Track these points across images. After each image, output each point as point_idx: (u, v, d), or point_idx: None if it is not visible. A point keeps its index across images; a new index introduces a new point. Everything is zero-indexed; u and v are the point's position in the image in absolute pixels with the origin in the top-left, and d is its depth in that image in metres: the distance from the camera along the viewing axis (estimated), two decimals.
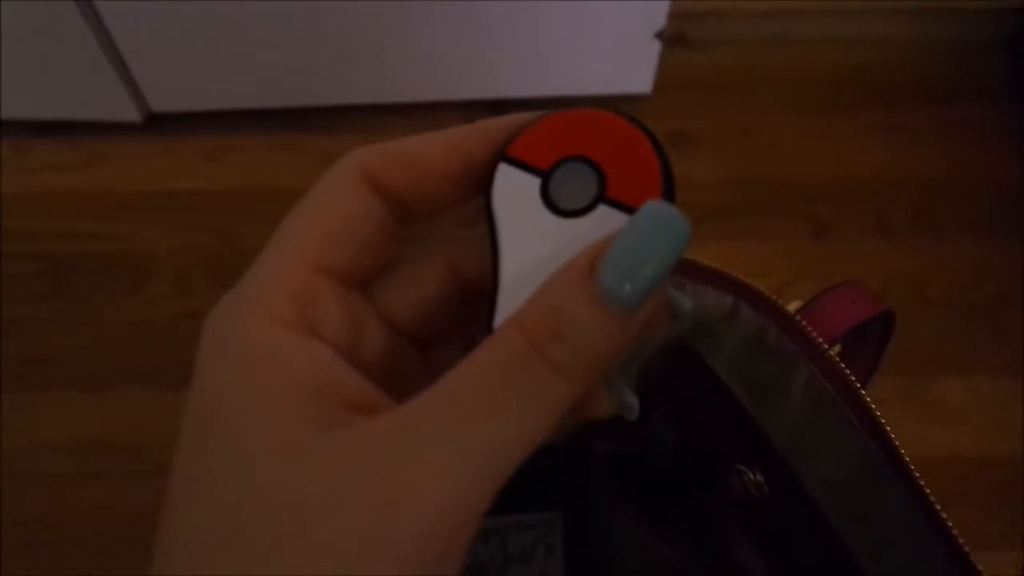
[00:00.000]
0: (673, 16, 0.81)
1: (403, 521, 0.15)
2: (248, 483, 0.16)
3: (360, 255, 0.19)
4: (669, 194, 0.18)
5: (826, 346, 0.31)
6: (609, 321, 0.16)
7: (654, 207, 0.17)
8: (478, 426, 0.16)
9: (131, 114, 0.87)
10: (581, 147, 0.18)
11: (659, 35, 0.82)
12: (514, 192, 0.19)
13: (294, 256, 0.18)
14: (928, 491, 0.29)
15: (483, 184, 0.19)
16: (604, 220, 0.18)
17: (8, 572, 0.70)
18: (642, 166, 0.18)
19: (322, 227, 0.18)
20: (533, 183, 0.18)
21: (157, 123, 0.90)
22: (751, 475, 0.35)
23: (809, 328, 0.31)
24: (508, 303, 0.18)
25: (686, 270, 0.33)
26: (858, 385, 0.30)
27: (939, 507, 0.28)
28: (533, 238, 0.18)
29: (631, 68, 0.87)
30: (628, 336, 0.16)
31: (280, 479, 0.16)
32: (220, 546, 0.16)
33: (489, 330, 0.19)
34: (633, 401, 0.20)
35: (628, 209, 0.18)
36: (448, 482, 0.15)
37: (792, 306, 0.33)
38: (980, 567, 0.28)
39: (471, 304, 0.21)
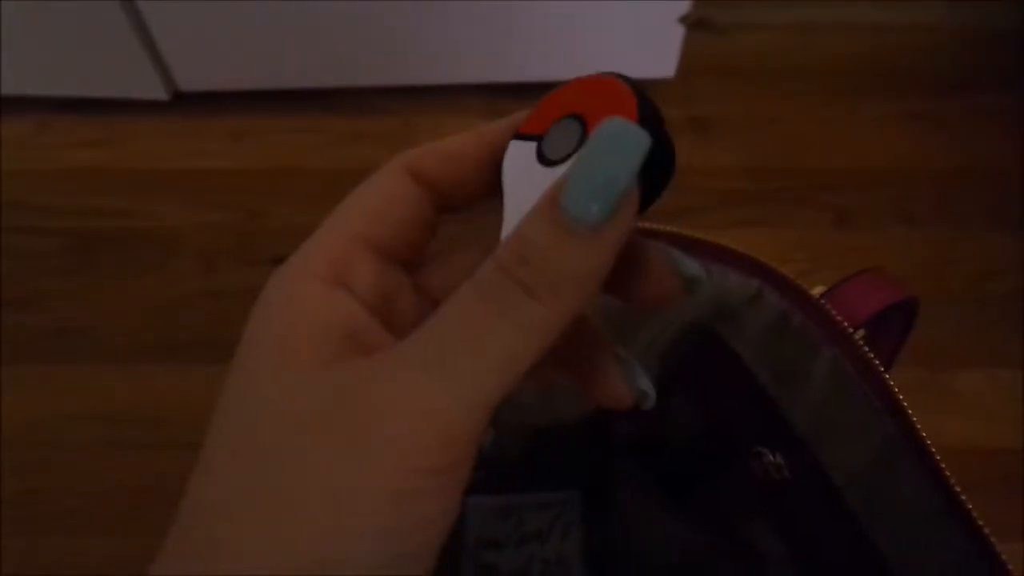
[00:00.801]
0: (697, 1, 0.80)
1: (394, 435, 0.16)
2: (261, 405, 0.18)
3: (397, 231, 0.21)
4: (645, 123, 0.18)
5: (851, 330, 0.31)
6: (571, 240, 0.17)
7: (606, 125, 0.17)
8: (457, 344, 0.17)
9: (158, 92, 0.88)
10: (572, 108, 0.20)
11: (683, 20, 0.82)
12: (518, 159, 0.20)
13: (337, 229, 0.20)
14: (948, 474, 0.29)
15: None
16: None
17: (31, 540, 0.71)
18: (619, 108, 0.18)
19: (363, 206, 0.21)
20: (532, 147, 0.20)
21: (183, 102, 0.91)
22: (771, 457, 0.35)
23: (834, 312, 0.31)
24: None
25: (711, 253, 0.33)
26: (882, 369, 0.30)
27: (959, 490, 0.29)
28: (528, 191, 0.19)
29: (655, 52, 0.87)
30: (595, 256, 0.17)
31: (286, 401, 0.17)
32: (232, 456, 0.18)
33: None
34: (650, 390, 0.22)
35: None
36: (434, 396, 0.17)
37: (816, 291, 0.34)
38: (1000, 550, 0.29)
39: None
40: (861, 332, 0.32)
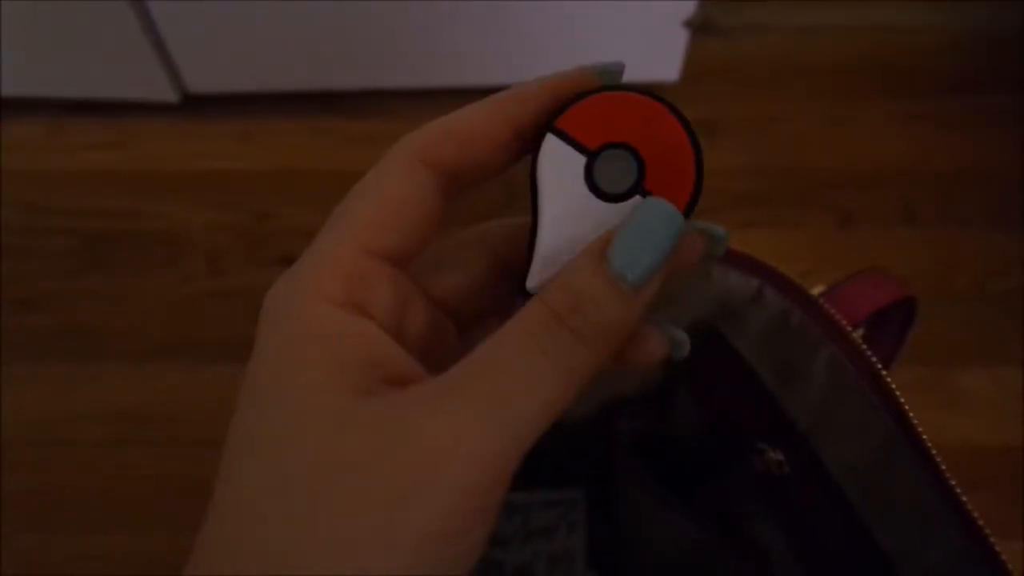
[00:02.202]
0: (701, 4, 0.81)
1: (443, 475, 0.16)
2: (294, 445, 0.17)
3: (410, 237, 0.20)
4: (698, 190, 0.19)
5: (849, 328, 0.32)
6: (619, 296, 0.18)
7: (656, 203, 0.19)
8: (512, 386, 0.17)
9: (168, 94, 0.89)
10: (626, 133, 0.20)
11: (688, 23, 0.82)
12: (559, 165, 0.20)
13: (347, 239, 0.19)
14: (945, 470, 0.30)
15: (528, 149, 0.20)
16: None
17: (43, 537, 0.72)
18: (679, 163, 0.19)
19: (374, 212, 0.20)
20: (579, 161, 0.20)
21: (192, 104, 0.92)
22: (773, 454, 0.36)
23: (833, 311, 0.32)
24: (542, 269, 0.20)
25: None
26: (880, 366, 0.31)
27: (955, 483, 0.29)
28: (573, 214, 0.20)
29: (659, 55, 0.87)
30: (637, 306, 0.19)
31: (322, 441, 0.17)
32: (268, 502, 0.17)
33: (521, 289, 0.20)
34: (683, 336, 0.22)
35: None
36: (485, 437, 0.17)
37: (816, 290, 0.34)
38: (996, 544, 0.29)
39: (511, 287, 0.23)
40: (860, 331, 0.33)
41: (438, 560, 0.17)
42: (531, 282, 0.20)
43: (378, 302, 0.19)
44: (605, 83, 0.20)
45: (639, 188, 0.20)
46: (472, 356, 0.18)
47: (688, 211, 0.20)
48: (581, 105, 0.20)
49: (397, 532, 0.16)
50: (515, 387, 0.17)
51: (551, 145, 0.20)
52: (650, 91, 0.20)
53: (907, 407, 0.31)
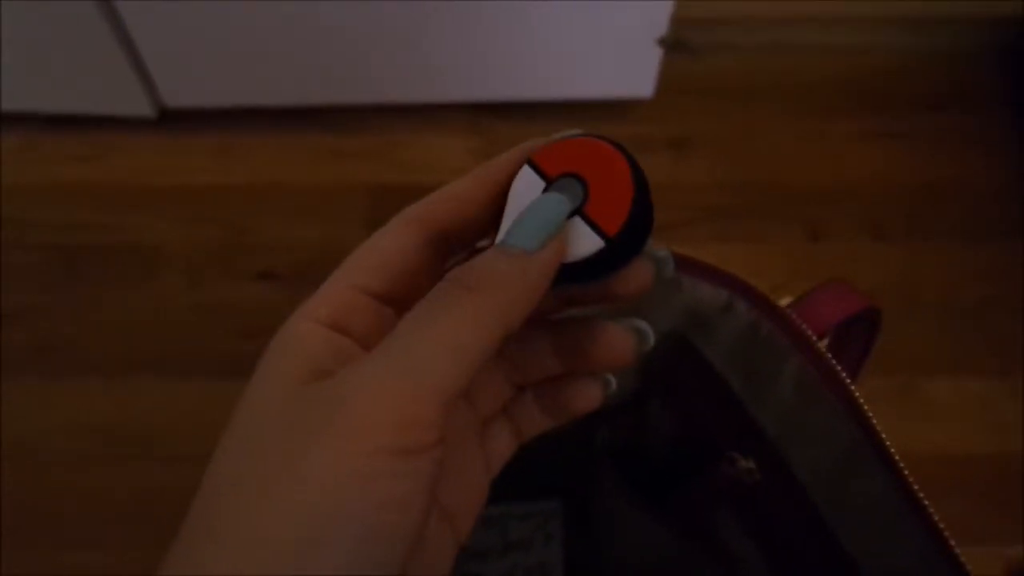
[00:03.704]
0: (674, 22, 0.83)
1: (349, 416, 0.18)
2: (253, 416, 0.20)
3: (400, 281, 0.23)
4: (635, 218, 0.22)
5: (815, 338, 0.33)
6: (507, 255, 0.21)
7: (540, 199, 0.22)
8: (411, 338, 0.20)
9: (144, 109, 0.89)
10: (582, 167, 0.23)
11: (661, 42, 0.84)
12: (524, 188, 0.23)
13: (341, 278, 0.23)
14: (908, 474, 0.31)
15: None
16: (574, 228, 0.22)
17: (16, 553, 0.71)
18: (619, 195, 0.22)
19: (368, 258, 0.23)
20: (539, 186, 0.23)
21: (168, 118, 0.92)
22: (743, 461, 0.37)
23: (800, 321, 0.33)
24: None
25: (683, 265, 0.35)
26: (845, 375, 0.32)
27: (918, 488, 0.30)
28: None
29: (633, 73, 0.89)
30: (524, 269, 0.21)
31: (275, 408, 0.20)
32: (225, 457, 0.20)
33: None
34: (644, 325, 0.24)
35: (593, 226, 0.22)
36: (388, 381, 0.19)
37: (783, 301, 0.35)
38: (956, 546, 0.30)
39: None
40: (825, 340, 0.34)
41: (362, 505, 0.18)
42: None
43: (359, 325, 0.22)
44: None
45: (579, 211, 0.22)
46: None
47: (625, 234, 0.22)
48: (555, 144, 0.23)
49: (305, 467, 0.18)
50: (415, 337, 0.20)
51: (523, 173, 0.23)
52: (612, 139, 0.23)
53: (871, 415, 0.32)
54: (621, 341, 0.24)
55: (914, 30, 1.00)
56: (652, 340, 0.24)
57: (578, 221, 0.22)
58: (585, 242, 0.22)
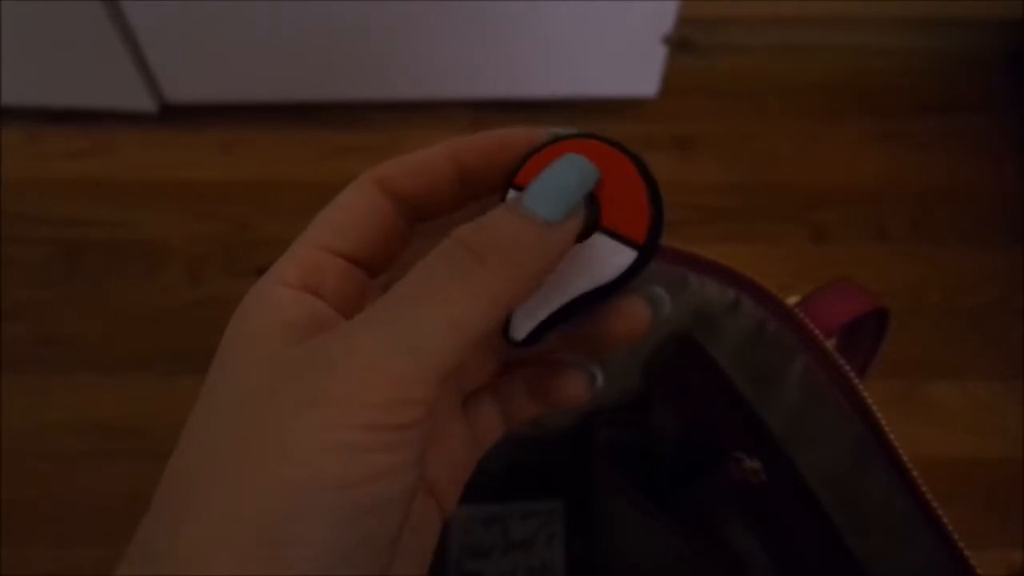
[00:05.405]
0: (679, 22, 0.82)
1: (337, 387, 0.17)
2: (227, 384, 0.19)
3: (366, 242, 0.22)
4: (656, 222, 0.20)
5: (822, 337, 0.32)
6: (526, 223, 0.19)
7: (565, 158, 0.20)
8: (407, 305, 0.18)
9: (147, 104, 0.89)
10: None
11: (667, 40, 0.84)
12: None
13: (308, 240, 0.22)
14: (916, 475, 0.30)
15: (477, 194, 0.22)
16: (599, 244, 0.20)
17: (15, 549, 0.71)
18: (632, 198, 0.20)
19: (332, 218, 0.22)
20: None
21: (171, 114, 0.91)
22: (749, 462, 0.36)
23: (807, 320, 0.33)
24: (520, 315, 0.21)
25: (690, 263, 0.34)
26: (852, 374, 0.32)
27: (925, 489, 0.30)
28: None
29: (638, 71, 0.88)
30: (542, 240, 0.19)
31: (251, 376, 0.19)
32: (199, 429, 0.19)
33: (507, 338, 0.21)
34: (661, 292, 0.22)
35: (618, 237, 0.20)
36: (381, 353, 0.18)
37: (791, 300, 0.35)
38: (964, 545, 0.30)
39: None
40: (833, 340, 0.34)
41: (346, 477, 0.17)
42: (512, 331, 0.21)
43: (329, 287, 0.21)
44: (549, 142, 0.21)
45: (596, 225, 0.20)
46: (387, 292, 0.19)
47: (654, 236, 0.20)
48: (538, 156, 0.21)
49: (291, 439, 0.17)
50: (412, 305, 0.18)
51: (512, 198, 0.21)
52: (606, 137, 0.20)
53: (878, 413, 0.31)
54: (638, 309, 0.22)
55: (922, 32, 1.00)
56: (668, 306, 0.22)
57: (600, 237, 0.20)
58: (615, 258, 0.20)
